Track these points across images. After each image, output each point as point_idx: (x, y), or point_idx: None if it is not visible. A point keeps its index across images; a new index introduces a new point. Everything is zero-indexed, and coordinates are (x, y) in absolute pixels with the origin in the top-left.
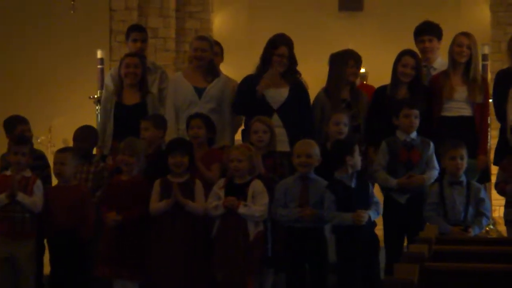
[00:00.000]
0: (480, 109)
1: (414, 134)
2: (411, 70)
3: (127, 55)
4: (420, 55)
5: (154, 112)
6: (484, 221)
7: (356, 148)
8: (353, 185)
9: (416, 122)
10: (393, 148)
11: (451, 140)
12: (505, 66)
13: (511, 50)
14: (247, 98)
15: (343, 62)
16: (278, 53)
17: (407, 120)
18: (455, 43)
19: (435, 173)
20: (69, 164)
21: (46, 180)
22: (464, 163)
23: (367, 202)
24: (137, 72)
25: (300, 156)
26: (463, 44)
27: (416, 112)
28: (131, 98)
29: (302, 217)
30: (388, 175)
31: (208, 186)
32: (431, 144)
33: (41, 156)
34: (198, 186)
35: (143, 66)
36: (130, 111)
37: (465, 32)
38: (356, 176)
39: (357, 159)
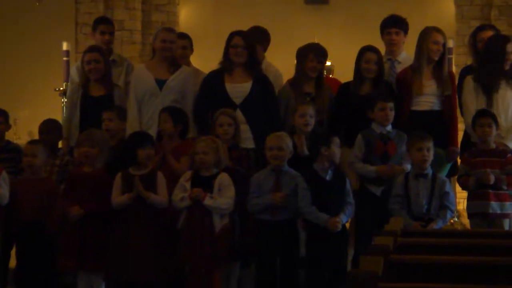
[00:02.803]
0: (449, 101)
1: (389, 127)
2: (374, 66)
3: (86, 52)
4: (386, 47)
5: (120, 104)
6: (448, 214)
7: (334, 140)
8: (328, 177)
9: (391, 114)
10: (370, 141)
11: (418, 132)
12: (469, 60)
13: (471, 46)
14: (206, 101)
15: (303, 56)
16: (232, 43)
17: (382, 113)
18: (430, 40)
19: (409, 167)
20: (40, 156)
21: (20, 173)
22: (431, 155)
23: (342, 197)
24: (99, 67)
25: (272, 149)
26: (439, 42)
27: (391, 105)
28: (97, 90)
29: (274, 203)
30: (366, 164)
31: (177, 179)
32: (406, 138)
33: (16, 149)
34: (160, 178)
35: (104, 59)
36: (96, 103)
37: (437, 28)
38: (334, 170)
39: (334, 151)
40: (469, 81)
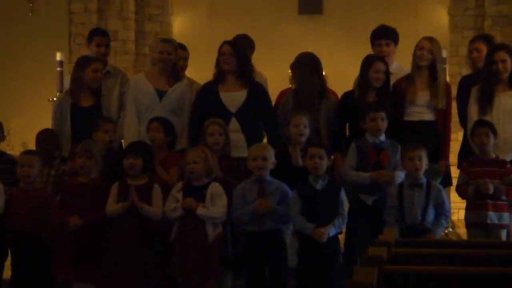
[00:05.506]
0: (443, 115)
1: (383, 137)
2: (383, 75)
3: (94, 60)
4: None
5: (108, 115)
6: (444, 221)
7: (310, 151)
8: (318, 187)
9: (383, 124)
10: (363, 150)
11: (409, 143)
12: (462, 70)
13: (471, 55)
14: (201, 112)
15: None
16: (221, 51)
17: (373, 123)
18: (417, 46)
19: (402, 175)
20: (36, 167)
21: (15, 184)
22: (423, 164)
23: (334, 208)
24: (101, 77)
25: (256, 159)
26: (424, 47)
27: (382, 114)
28: (87, 100)
29: (258, 210)
30: (360, 172)
31: (167, 190)
32: (399, 147)
33: (12, 160)
34: (156, 190)
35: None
36: (86, 113)
37: (429, 36)
38: (327, 180)
39: (310, 162)
40: (474, 92)
